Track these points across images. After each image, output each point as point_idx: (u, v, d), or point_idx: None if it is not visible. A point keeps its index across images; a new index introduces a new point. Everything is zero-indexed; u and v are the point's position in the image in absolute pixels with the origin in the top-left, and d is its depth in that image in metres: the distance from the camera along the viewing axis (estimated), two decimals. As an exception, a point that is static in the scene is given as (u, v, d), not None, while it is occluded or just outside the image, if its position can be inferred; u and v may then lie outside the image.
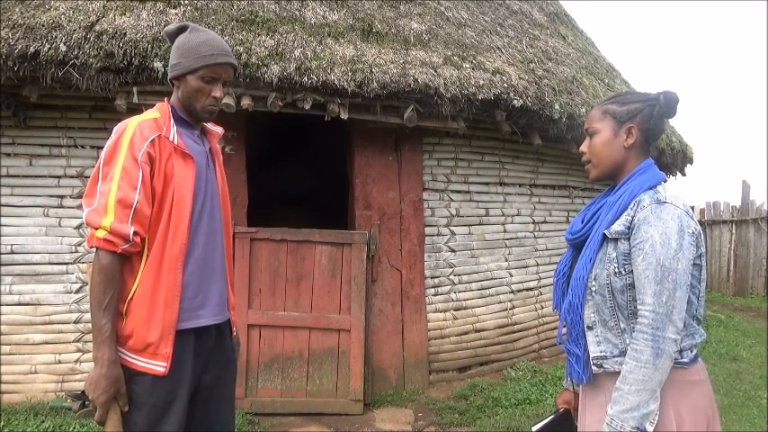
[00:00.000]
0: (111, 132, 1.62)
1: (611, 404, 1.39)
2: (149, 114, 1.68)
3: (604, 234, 1.47)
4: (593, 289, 1.48)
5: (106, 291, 1.52)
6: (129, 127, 1.60)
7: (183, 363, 1.62)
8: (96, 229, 1.52)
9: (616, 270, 1.44)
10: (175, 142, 1.64)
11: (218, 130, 1.90)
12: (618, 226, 1.45)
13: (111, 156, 1.58)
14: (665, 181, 1.52)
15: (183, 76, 1.69)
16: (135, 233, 1.54)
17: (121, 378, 1.53)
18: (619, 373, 1.42)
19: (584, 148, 1.61)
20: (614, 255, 1.45)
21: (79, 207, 3.69)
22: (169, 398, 1.59)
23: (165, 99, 1.76)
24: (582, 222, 1.59)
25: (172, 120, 1.68)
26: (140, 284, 1.58)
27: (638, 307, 1.40)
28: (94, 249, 1.55)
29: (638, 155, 1.54)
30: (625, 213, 1.46)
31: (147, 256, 1.59)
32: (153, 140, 1.59)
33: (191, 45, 1.69)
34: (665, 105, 1.52)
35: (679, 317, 1.37)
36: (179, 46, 1.71)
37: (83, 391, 3.88)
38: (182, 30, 1.75)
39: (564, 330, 1.61)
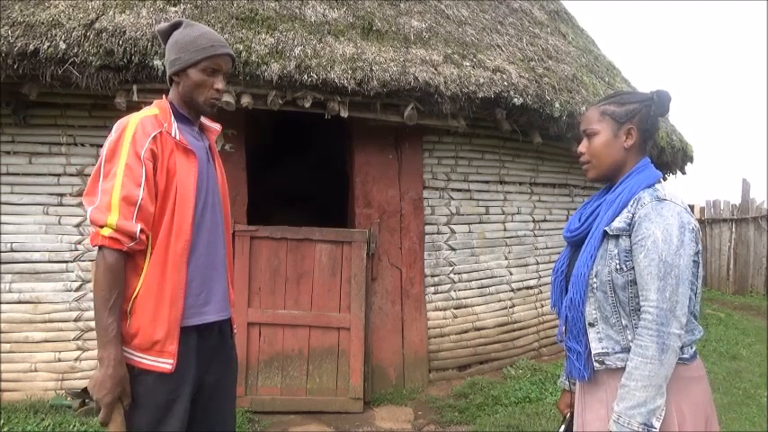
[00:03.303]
0: (111, 130, 1.61)
1: (618, 401, 1.39)
2: (149, 111, 1.66)
3: (605, 231, 1.48)
4: (595, 286, 1.49)
5: (112, 290, 1.50)
6: (131, 124, 1.59)
7: (187, 360, 1.61)
8: (101, 227, 1.50)
9: (618, 267, 1.45)
10: (177, 138, 1.63)
11: (216, 126, 1.89)
12: (619, 223, 1.46)
13: (112, 153, 1.56)
14: (664, 179, 1.53)
15: (184, 71, 1.68)
16: (141, 231, 1.52)
17: (127, 378, 1.52)
18: (620, 369, 1.43)
19: (582, 148, 1.61)
20: (615, 251, 1.46)
21: (79, 205, 3.68)
22: (172, 396, 1.58)
23: (164, 96, 1.75)
24: (579, 221, 1.60)
25: (172, 116, 1.67)
26: (145, 282, 1.56)
27: (642, 303, 1.41)
28: (97, 248, 1.53)
29: (636, 154, 1.56)
30: (625, 210, 1.47)
31: (151, 253, 1.57)
32: (155, 137, 1.58)
33: (189, 39, 1.69)
34: (659, 104, 1.55)
35: (682, 312, 1.38)
36: (176, 41, 1.70)
37: (83, 390, 3.85)
38: (176, 26, 1.75)
39: (564, 328, 1.61)
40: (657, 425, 1.35)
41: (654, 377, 1.35)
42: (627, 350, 1.43)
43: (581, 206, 1.67)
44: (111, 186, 1.52)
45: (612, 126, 1.55)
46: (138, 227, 1.52)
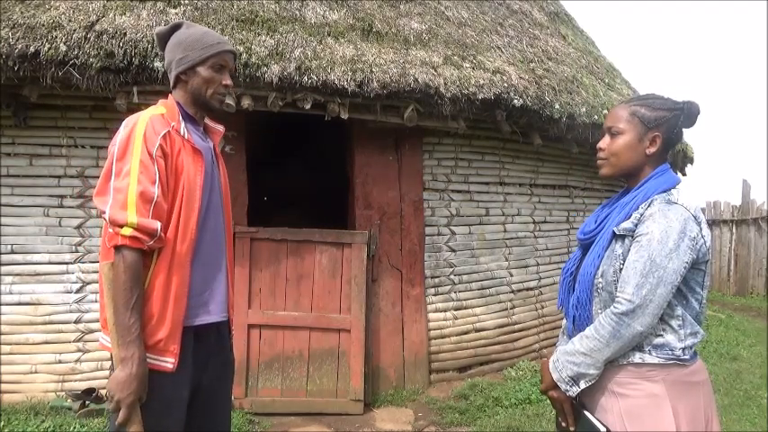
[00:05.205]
0: (116, 131, 1.60)
1: (563, 350, 1.50)
2: (156, 110, 1.66)
3: (613, 231, 1.49)
4: (600, 286, 1.50)
5: (133, 289, 1.49)
6: (141, 121, 1.58)
7: (186, 361, 1.61)
8: (121, 226, 1.48)
9: (621, 266, 1.45)
10: (186, 137, 1.64)
11: (220, 128, 1.90)
12: (627, 223, 1.47)
13: (123, 151, 1.54)
14: (679, 183, 1.53)
15: (193, 68, 1.69)
16: (160, 228, 1.52)
17: (147, 377, 1.51)
18: (623, 365, 1.45)
19: (603, 144, 1.60)
20: (620, 252, 1.47)
21: (80, 207, 3.69)
22: (172, 396, 1.58)
23: (169, 95, 1.75)
24: (596, 223, 1.61)
25: (180, 115, 1.67)
26: (151, 281, 1.56)
27: (617, 293, 1.43)
28: (114, 248, 1.51)
29: (655, 161, 1.56)
30: (636, 212, 1.48)
31: (159, 252, 1.56)
32: (164, 135, 1.58)
33: (194, 37, 1.70)
34: (688, 116, 1.54)
35: (654, 312, 1.39)
36: (181, 41, 1.71)
37: (83, 392, 3.85)
38: (176, 27, 1.76)
39: (572, 327, 1.61)
40: (581, 387, 1.46)
41: (595, 352, 1.43)
42: (633, 348, 1.44)
43: (598, 208, 1.67)
44: (127, 184, 1.50)
45: (639, 129, 1.54)
46: (159, 224, 1.52)
